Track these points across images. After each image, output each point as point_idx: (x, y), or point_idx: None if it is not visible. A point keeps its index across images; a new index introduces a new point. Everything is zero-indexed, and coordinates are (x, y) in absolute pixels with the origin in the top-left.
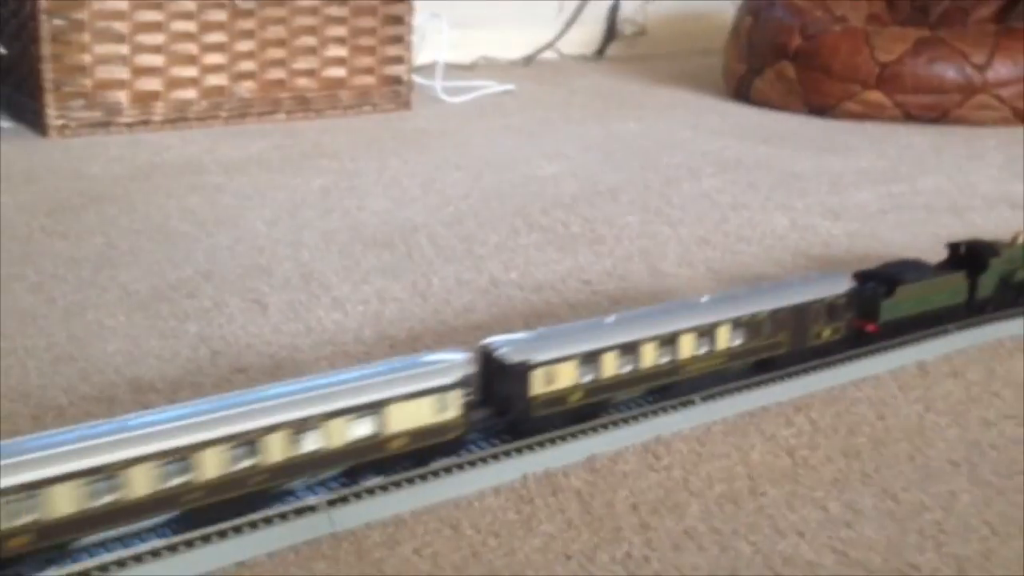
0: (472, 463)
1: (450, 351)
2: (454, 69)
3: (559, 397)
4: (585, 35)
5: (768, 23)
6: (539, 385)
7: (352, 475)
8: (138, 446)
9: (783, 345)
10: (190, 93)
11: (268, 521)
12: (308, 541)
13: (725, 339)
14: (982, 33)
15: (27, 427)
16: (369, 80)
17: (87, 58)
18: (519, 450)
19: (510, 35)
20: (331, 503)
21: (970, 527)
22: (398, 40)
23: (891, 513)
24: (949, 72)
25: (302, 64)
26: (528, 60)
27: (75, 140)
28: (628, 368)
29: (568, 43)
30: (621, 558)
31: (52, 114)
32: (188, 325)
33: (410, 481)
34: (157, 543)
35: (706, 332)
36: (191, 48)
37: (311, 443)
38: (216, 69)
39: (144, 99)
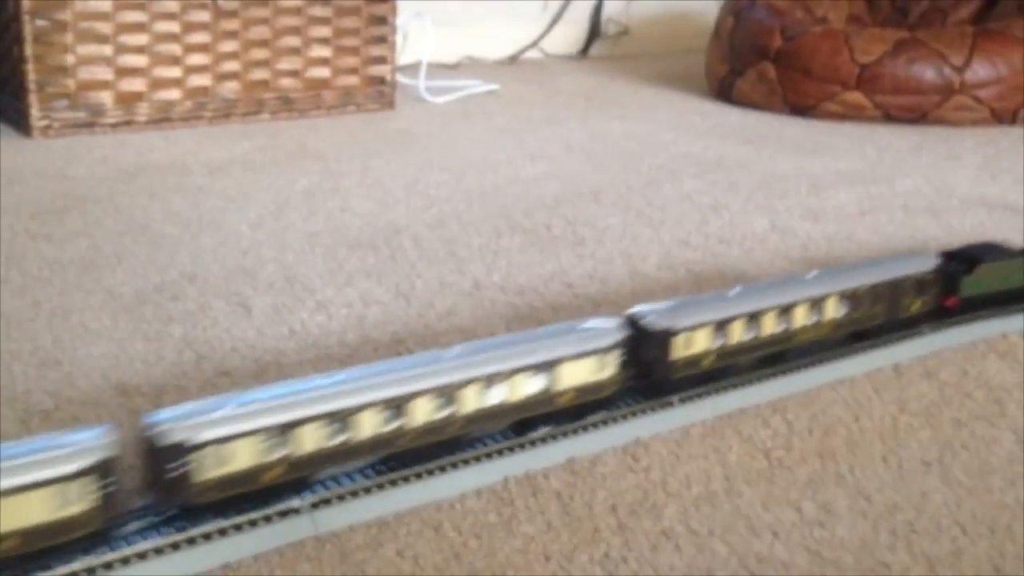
0: (454, 465)
1: (603, 318)
2: (438, 68)
3: (695, 360)
4: (569, 34)
5: (749, 24)
6: (679, 350)
7: (523, 427)
8: (364, 394)
9: (879, 316)
10: (174, 94)
11: (253, 523)
12: (292, 543)
13: (832, 310)
14: (960, 34)
15: (14, 431)
16: (353, 80)
17: (70, 59)
18: (500, 452)
19: (494, 34)
20: (314, 505)
21: (941, 527)
22: (382, 40)
23: (864, 513)
24: (928, 73)
25: (286, 65)
26: (512, 59)
27: (59, 141)
28: (751, 335)
29: (552, 42)
30: (599, 558)
31: (36, 115)
32: (173, 328)
33: (392, 483)
34: (144, 545)
35: (817, 303)
36: (175, 49)
37: (496, 396)
38: (200, 70)
39: (128, 100)
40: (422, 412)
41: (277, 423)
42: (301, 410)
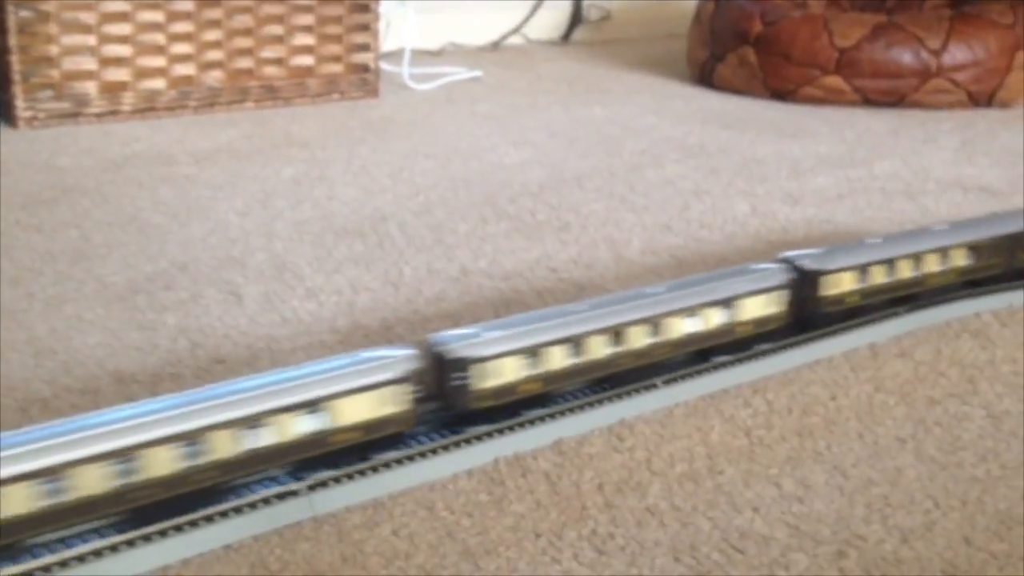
0: (446, 448)
1: (768, 262)
2: (421, 55)
3: (840, 299)
4: (551, 20)
5: (729, 10)
6: (827, 288)
7: (705, 354)
8: (594, 323)
9: (998, 267)
10: (158, 83)
11: (252, 506)
12: (291, 525)
13: (959, 259)
14: (937, 18)
15: (14, 419)
16: (336, 68)
17: (54, 49)
18: (490, 434)
19: (476, 20)
20: (311, 488)
21: (914, 500)
22: (365, 28)
23: (841, 488)
24: (905, 57)
25: (269, 53)
26: (495, 45)
27: (44, 131)
28: (887, 279)
29: (534, 28)
30: (587, 535)
31: (21, 105)
32: (166, 317)
33: (386, 466)
34: (149, 529)
35: (945, 253)
36: (158, 38)
37: (691, 326)
38: (184, 59)
39: (112, 89)
40: (635, 338)
41: (534, 344)
42: (549, 334)
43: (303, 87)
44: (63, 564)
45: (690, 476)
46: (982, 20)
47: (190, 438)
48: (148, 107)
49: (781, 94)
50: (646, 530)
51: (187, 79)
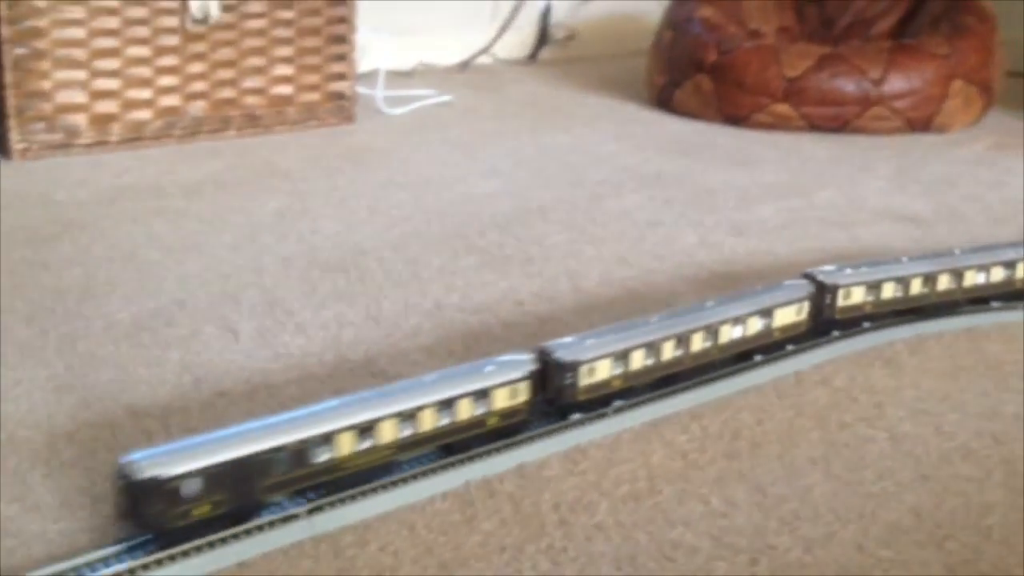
0: (424, 474)
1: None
2: (393, 76)
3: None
4: (518, 40)
5: (687, 39)
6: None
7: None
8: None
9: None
10: (145, 114)
11: (260, 528)
12: (294, 544)
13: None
14: (878, 50)
15: (43, 453)
16: (314, 96)
17: (47, 84)
18: (461, 461)
19: (446, 41)
20: (311, 512)
21: (819, 514)
22: (341, 58)
23: (759, 504)
24: (848, 86)
25: (251, 83)
26: (464, 65)
27: (38, 163)
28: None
29: (502, 47)
30: (544, 549)
31: (15, 138)
32: (170, 353)
33: (374, 491)
34: (173, 550)
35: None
36: (145, 72)
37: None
38: (169, 91)
39: (102, 121)
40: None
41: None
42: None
43: (282, 115)
44: None
45: (632, 496)
46: (919, 52)
47: None
48: (135, 137)
49: (734, 120)
50: (594, 544)
51: (172, 110)
